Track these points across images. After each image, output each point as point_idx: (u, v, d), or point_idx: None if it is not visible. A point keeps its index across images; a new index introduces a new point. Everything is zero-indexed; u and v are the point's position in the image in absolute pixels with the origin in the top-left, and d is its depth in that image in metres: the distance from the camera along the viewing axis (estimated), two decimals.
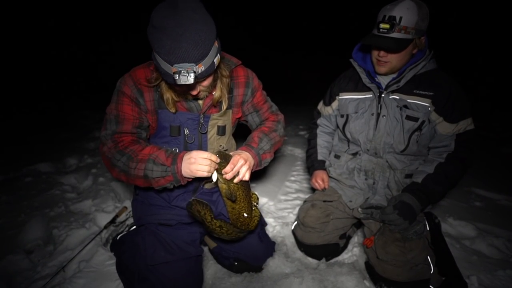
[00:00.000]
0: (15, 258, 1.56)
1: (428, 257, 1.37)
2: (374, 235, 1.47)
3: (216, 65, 1.02)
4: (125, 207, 1.96)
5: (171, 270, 1.21)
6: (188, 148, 1.29)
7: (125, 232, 1.58)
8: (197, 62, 0.92)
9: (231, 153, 1.18)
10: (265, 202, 2.28)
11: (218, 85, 1.21)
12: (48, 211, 2.08)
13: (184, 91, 1.11)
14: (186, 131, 1.26)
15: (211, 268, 1.55)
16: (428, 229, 1.45)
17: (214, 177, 1.13)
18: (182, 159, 1.09)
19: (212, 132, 1.32)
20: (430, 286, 1.36)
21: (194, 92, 1.09)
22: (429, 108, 1.38)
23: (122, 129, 1.16)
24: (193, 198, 1.18)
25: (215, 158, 1.08)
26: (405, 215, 1.34)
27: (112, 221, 1.81)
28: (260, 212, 1.27)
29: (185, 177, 1.11)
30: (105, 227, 1.76)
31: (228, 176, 1.12)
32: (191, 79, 0.91)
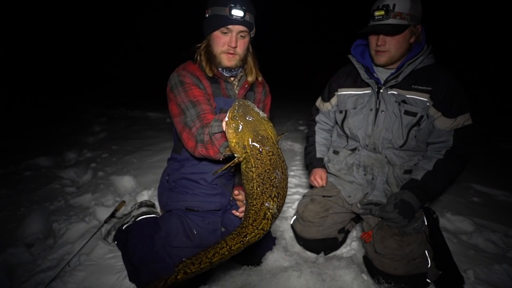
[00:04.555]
0: (15, 251, 1.57)
1: (426, 251, 1.38)
2: (372, 229, 1.48)
3: (253, 29, 1.31)
4: (124, 201, 1.97)
5: (186, 253, 1.26)
6: None
7: (131, 223, 1.62)
8: (244, 5, 1.21)
9: None
10: None
11: (250, 63, 1.41)
12: (48, 205, 2.08)
13: (225, 43, 1.27)
14: None
15: None
16: (426, 224, 1.46)
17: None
18: None
19: None
20: (427, 279, 1.38)
21: (233, 43, 1.26)
22: (428, 103, 1.38)
23: (203, 109, 1.24)
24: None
25: None
26: (404, 214, 1.35)
27: (112, 215, 1.81)
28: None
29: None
30: (106, 221, 1.77)
31: None
32: (242, 13, 1.20)
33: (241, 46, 1.30)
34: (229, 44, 1.26)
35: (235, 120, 0.79)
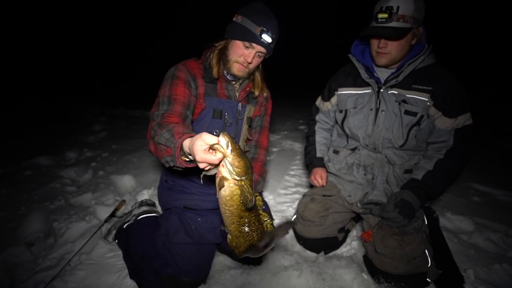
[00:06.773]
0: (16, 250, 1.57)
1: (426, 251, 1.38)
2: (372, 228, 1.48)
3: (271, 53, 1.35)
4: (124, 201, 1.97)
5: (186, 249, 1.34)
6: (225, 130, 1.42)
7: (132, 222, 1.62)
8: (273, 34, 1.27)
9: None
10: (264, 196, 2.29)
11: (258, 79, 1.48)
12: (48, 204, 2.08)
13: (242, 55, 1.30)
14: (226, 116, 1.43)
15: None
16: (426, 223, 1.46)
17: (225, 171, 0.87)
18: (190, 138, 0.93)
19: (244, 121, 1.50)
20: (427, 279, 1.38)
21: (250, 59, 1.30)
22: (428, 103, 1.37)
23: (173, 110, 1.25)
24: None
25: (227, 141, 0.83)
26: (405, 214, 1.35)
27: (112, 214, 1.81)
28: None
29: (182, 157, 0.97)
30: (106, 220, 1.77)
31: None
32: (270, 40, 1.26)
33: (255, 63, 1.35)
34: (246, 58, 1.30)
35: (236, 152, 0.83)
